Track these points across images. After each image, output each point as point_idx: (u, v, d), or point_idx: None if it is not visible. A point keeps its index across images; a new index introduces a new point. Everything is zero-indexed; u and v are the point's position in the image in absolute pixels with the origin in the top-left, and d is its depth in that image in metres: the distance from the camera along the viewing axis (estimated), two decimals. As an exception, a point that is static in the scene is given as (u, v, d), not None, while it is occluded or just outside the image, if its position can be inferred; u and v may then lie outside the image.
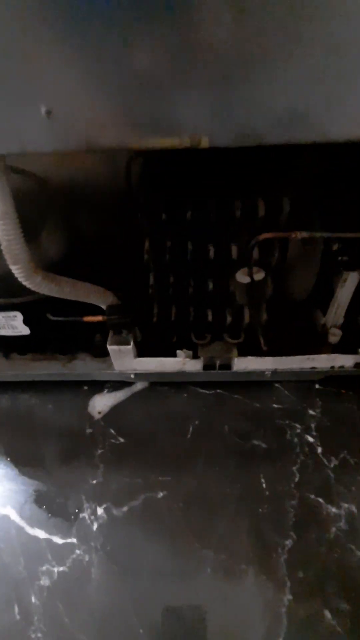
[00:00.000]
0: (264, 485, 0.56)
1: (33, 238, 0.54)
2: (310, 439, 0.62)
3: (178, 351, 0.63)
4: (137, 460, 0.59)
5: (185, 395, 0.69)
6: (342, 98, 0.33)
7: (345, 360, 0.65)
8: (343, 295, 0.61)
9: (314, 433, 0.62)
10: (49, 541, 0.51)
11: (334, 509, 0.53)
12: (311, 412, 0.65)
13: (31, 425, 0.66)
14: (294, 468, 0.58)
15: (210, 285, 0.54)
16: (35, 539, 0.51)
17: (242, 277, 0.48)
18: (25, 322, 0.61)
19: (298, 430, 0.63)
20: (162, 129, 0.34)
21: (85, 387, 0.71)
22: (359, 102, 0.32)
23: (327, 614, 0.44)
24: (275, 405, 0.67)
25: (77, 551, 0.50)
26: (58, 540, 0.51)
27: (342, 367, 0.66)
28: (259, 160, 0.47)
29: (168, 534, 0.51)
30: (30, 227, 0.48)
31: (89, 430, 0.64)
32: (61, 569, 0.49)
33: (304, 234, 0.46)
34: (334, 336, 0.65)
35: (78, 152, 0.36)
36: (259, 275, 0.48)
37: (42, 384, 0.71)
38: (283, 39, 0.30)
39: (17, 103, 0.33)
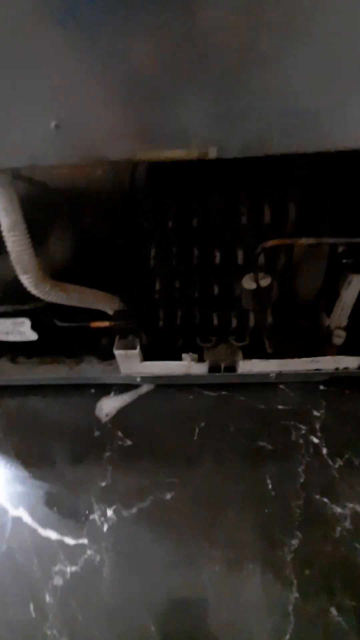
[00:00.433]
0: (269, 486, 0.57)
1: (40, 245, 0.54)
2: (315, 440, 0.62)
3: (184, 354, 0.64)
4: (145, 462, 0.60)
5: (191, 397, 0.69)
6: (347, 108, 0.33)
7: (350, 362, 0.66)
8: (348, 297, 0.61)
9: (319, 434, 0.63)
10: (60, 542, 0.52)
11: (339, 509, 0.54)
12: (316, 413, 0.66)
13: (40, 428, 0.67)
14: (300, 468, 0.59)
15: (216, 290, 0.55)
16: (48, 540, 0.53)
17: (248, 283, 0.49)
18: (33, 327, 0.62)
19: (303, 431, 0.64)
20: (170, 141, 0.35)
21: (92, 390, 0.72)
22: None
23: (333, 610, 0.46)
24: (280, 407, 0.67)
25: (89, 551, 0.51)
26: (70, 541, 0.52)
27: (346, 368, 0.67)
28: (265, 166, 0.47)
29: (176, 533, 0.52)
30: (36, 234, 0.49)
31: (96, 433, 0.65)
32: (73, 569, 0.50)
33: (310, 241, 0.46)
34: (339, 338, 0.66)
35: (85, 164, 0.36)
36: (265, 282, 0.48)
37: (49, 387, 0.72)
38: (287, 47, 0.30)
39: (27, 118, 0.34)
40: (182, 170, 0.48)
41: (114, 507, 0.55)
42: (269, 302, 0.53)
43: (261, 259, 0.49)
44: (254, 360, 0.64)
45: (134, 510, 0.55)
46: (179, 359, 0.64)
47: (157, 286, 0.56)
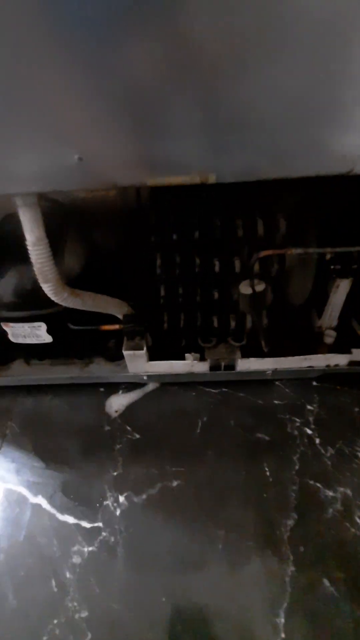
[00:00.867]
0: (267, 473, 0.62)
1: (57, 256, 0.60)
2: (309, 431, 0.68)
3: (186, 354, 0.69)
4: (153, 454, 0.66)
5: (194, 394, 0.75)
6: (321, 143, 0.39)
7: (340, 359, 0.72)
8: (336, 300, 0.67)
9: (313, 426, 0.69)
10: (77, 525, 0.57)
11: (331, 493, 0.59)
12: (309, 407, 0.72)
13: (54, 424, 0.72)
14: (295, 457, 0.64)
15: (216, 295, 0.61)
16: (66, 523, 0.58)
17: (245, 288, 0.55)
18: (49, 331, 0.68)
19: (298, 424, 0.69)
20: (176, 170, 0.41)
21: (102, 389, 0.77)
22: (337, 146, 0.39)
23: (326, 581, 0.51)
24: (276, 402, 0.73)
25: (104, 533, 0.56)
26: (86, 524, 0.58)
27: (337, 365, 0.72)
28: (259, 186, 0.53)
29: (183, 516, 0.58)
30: (53, 246, 0.54)
31: (107, 428, 0.70)
32: (90, 548, 0.55)
33: (299, 250, 0.52)
34: (329, 337, 0.72)
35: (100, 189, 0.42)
36: (260, 287, 0.54)
37: (62, 386, 0.77)
38: (271, 95, 0.36)
39: (55, 152, 0.40)
40: (183, 189, 0.54)
41: (125, 494, 0.61)
42: (263, 305, 0.59)
43: (256, 267, 0.55)
44: (252, 359, 0.70)
45: (144, 496, 0.60)
46: (182, 358, 0.70)
47: (162, 292, 0.62)
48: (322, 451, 0.65)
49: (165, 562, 0.53)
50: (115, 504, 0.60)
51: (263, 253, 0.50)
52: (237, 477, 0.62)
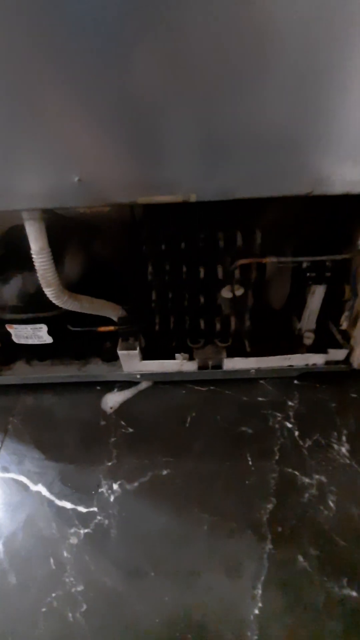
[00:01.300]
0: (249, 462, 0.68)
1: (58, 263, 0.66)
2: (289, 425, 0.74)
3: (176, 354, 0.75)
4: (145, 446, 0.71)
5: (184, 391, 0.81)
6: (288, 168, 0.46)
7: (318, 359, 0.78)
8: (313, 304, 0.74)
9: (292, 420, 0.75)
10: (74, 510, 0.63)
11: (307, 479, 0.65)
12: (290, 402, 0.78)
13: (53, 420, 0.78)
14: (275, 448, 0.70)
15: (202, 299, 0.67)
16: (63, 508, 0.63)
17: (226, 292, 0.61)
18: (49, 332, 0.74)
19: (279, 418, 0.75)
20: (162, 190, 0.48)
21: (98, 387, 0.83)
22: (299, 171, 0.46)
23: (300, 557, 0.56)
24: (260, 398, 0.79)
25: (98, 517, 0.61)
26: (82, 509, 0.63)
27: (315, 364, 0.79)
28: (238, 203, 0.60)
29: (172, 502, 0.63)
30: (55, 254, 0.61)
31: (102, 423, 0.76)
32: (86, 530, 0.60)
33: (274, 259, 0.59)
34: (308, 339, 0.78)
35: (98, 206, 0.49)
36: (240, 291, 0.61)
37: (60, 385, 0.83)
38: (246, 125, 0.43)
39: (57, 174, 0.46)
40: (171, 207, 0.61)
41: (119, 481, 0.66)
42: (245, 308, 0.65)
43: (236, 273, 0.61)
44: (237, 359, 0.76)
45: (136, 483, 0.65)
46: (173, 358, 0.76)
47: (154, 297, 0.68)
48: (301, 442, 0.71)
49: (154, 541, 0.58)
50: (109, 491, 0.65)
51: (241, 261, 0.56)
52: (222, 466, 0.67)
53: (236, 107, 0.42)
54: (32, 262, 0.55)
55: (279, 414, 0.76)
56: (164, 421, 0.75)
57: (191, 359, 0.76)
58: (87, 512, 0.62)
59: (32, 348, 0.79)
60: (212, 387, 0.81)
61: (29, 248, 0.54)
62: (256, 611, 0.51)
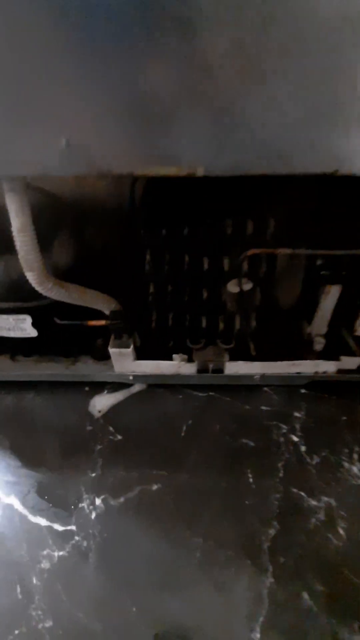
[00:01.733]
0: (250, 480, 0.60)
1: (45, 248, 0.59)
2: (295, 439, 0.66)
3: (174, 355, 0.68)
4: (134, 456, 0.64)
5: (180, 397, 0.73)
6: (312, 143, 0.39)
7: (328, 367, 0.71)
8: (326, 306, 0.67)
9: (299, 433, 0.67)
10: (49, 528, 0.55)
11: (314, 502, 0.58)
12: (296, 414, 0.70)
13: (35, 422, 0.70)
14: (279, 464, 0.62)
15: (205, 294, 0.60)
16: (37, 526, 0.55)
17: (232, 287, 0.54)
18: (34, 324, 0.66)
19: (284, 431, 0.68)
20: (165, 160, 0.41)
21: (87, 388, 0.76)
22: (329, 143, 0.39)
23: (305, 595, 0.49)
24: (263, 407, 0.72)
25: (76, 537, 0.54)
26: (58, 527, 0.55)
27: (325, 372, 0.71)
28: (249, 183, 0.53)
29: (161, 522, 0.55)
30: (43, 238, 0.54)
31: (89, 428, 0.68)
32: (61, 553, 0.52)
33: (288, 251, 0.52)
34: (319, 344, 0.71)
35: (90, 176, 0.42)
36: (248, 286, 0.54)
37: (45, 384, 0.75)
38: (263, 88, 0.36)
39: (42, 135, 0.39)
40: (175, 186, 0.54)
41: (102, 496, 0.58)
42: (251, 305, 0.58)
43: (244, 266, 0.54)
44: (240, 362, 0.68)
45: (122, 499, 0.58)
46: (170, 359, 0.68)
47: (151, 289, 0.61)
48: (308, 459, 0.63)
49: (139, 570, 0.51)
50: (91, 507, 0.57)
51: (251, 251, 0.49)
52: (219, 483, 0.60)
53: (262, 76, 0.35)
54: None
55: (284, 426, 0.68)
56: (157, 429, 0.68)
57: (190, 360, 0.69)
58: (63, 531, 0.55)
59: (17, 342, 0.71)
60: (211, 393, 0.74)
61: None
62: (255, 662, 0.43)
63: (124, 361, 0.69)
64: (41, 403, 0.73)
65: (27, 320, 0.64)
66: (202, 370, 0.70)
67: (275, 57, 0.35)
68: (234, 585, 0.49)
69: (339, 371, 0.71)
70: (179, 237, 0.54)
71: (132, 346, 0.66)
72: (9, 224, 0.48)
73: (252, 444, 0.65)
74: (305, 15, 0.33)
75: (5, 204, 0.46)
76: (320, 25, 0.33)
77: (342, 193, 0.54)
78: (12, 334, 0.67)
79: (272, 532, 0.54)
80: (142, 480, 0.60)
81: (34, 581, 0.50)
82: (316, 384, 0.73)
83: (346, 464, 0.63)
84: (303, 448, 0.65)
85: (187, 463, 0.63)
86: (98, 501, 0.58)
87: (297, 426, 0.68)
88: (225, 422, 0.69)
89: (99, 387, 0.75)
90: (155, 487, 0.59)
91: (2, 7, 0.33)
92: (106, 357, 0.72)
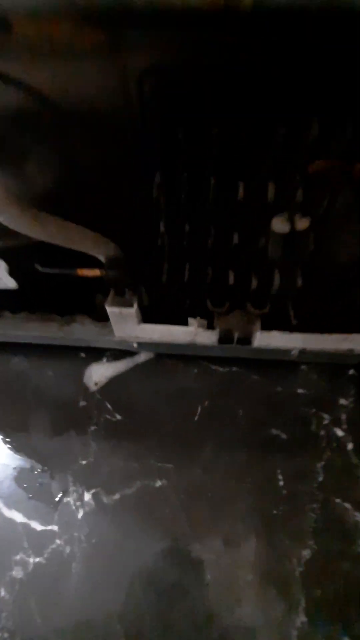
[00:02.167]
0: (280, 483, 0.47)
1: (15, 166, 0.43)
2: (340, 433, 0.52)
3: (190, 319, 0.53)
4: (135, 442, 0.51)
5: (196, 371, 0.59)
6: None
7: (392, 343, 0.54)
8: None
9: (344, 426, 0.53)
10: (26, 526, 0.44)
11: (363, 518, 0.44)
12: (343, 401, 0.55)
13: (19, 393, 0.59)
14: (319, 465, 0.49)
15: (236, 238, 0.43)
16: (11, 522, 0.45)
17: (279, 225, 0.37)
18: (12, 273, 0.52)
19: (326, 422, 0.53)
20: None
21: (83, 355, 0.63)
22: None
23: (349, 644, 0.37)
24: (300, 390, 0.57)
25: (58, 541, 0.43)
26: (37, 526, 0.45)
27: (385, 351, 0.55)
28: (309, 70, 0.33)
29: (164, 530, 0.44)
30: (12, 152, 0.37)
31: (82, 403, 0.56)
32: (37, 559, 0.42)
33: (372, 168, 0.33)
34: (381, 314, 0.53)
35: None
36: (303, 224, 0.36)
37: (35, 347, 0.63)
38: None
39: None
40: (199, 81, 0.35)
41: (93, 490, 0.47)
42: (304, 253, 0.41)
43: (299, 194, 0.36)
44: (274, 333, 0.52)
45: (117, 496, 0.46)
46: (184, 323, 0.53)
47: (161, 228, 0.44)
48: (355, 461, 0.49)
49: (131, 589, 0.40)
50: (78, 503, 0.46)
51: (316, 165, 0.31)
52: (241, 483, 0.47)
53: None
54: None
55: (325, 416, 0.54)
56: (165, 410, 0.55)
57: (210, 327, 0.53)
58: (42, 532, 0.44)
59: (2, 297, 0.58)
60: (235, 368, 0.60)
61: None
62: None
63: (126, 324, 0.54)
64: (29, 369, 0.61)
65: (2, 266, 0.50)
66: (224, 339, 0.54)
67: None
68: (254, 621, 0.38)
69: None
70: (203, 144, 0.36)
71: (136, 305, 0.51)
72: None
73: (284, 436, 0.52)
74: None
75: None
76: None
77: None
78: (-15, 284, 0.53)
79: (306, 553, 0.42)
80: (144, 474, 0.48)
81: (2, 593, 0.40)
82: (371, 364, 0.57)
83: None
84: (350, 446, 0.51)
85: (201, 455, 0.50)
86: (87, 496, 0.46)
87: (343, 417, 0.54)
88: (251, 405, 0.55)
89: (97, 354, 0.62)
90: (159, 483, 0.47)
91: None
92: (107, 317, 0.58)
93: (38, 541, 0.43)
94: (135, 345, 0.59)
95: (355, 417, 0.54)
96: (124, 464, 0.49)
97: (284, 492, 0.47)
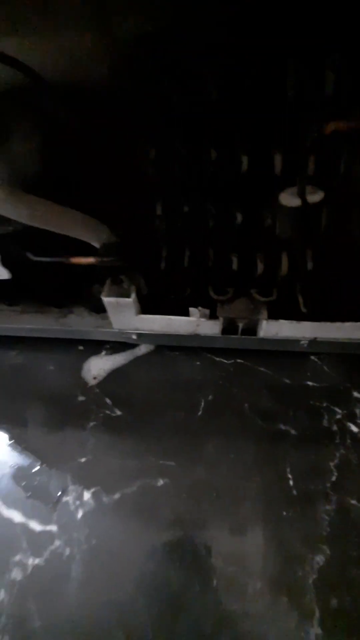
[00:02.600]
0: (290, 482, 0.44)
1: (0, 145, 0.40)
2: (355, 429, 0.48)
3: (191, 309, 0.49)
4: (135, 438, 0.49)
5: (198, 363, 0.56)
6: None
7: None
8: None
9: (359, 421, 0.49)
10: (24, 526, 0.43)
11: (381, 520, 0.41)
12: (357, 394, 0.52)
13: (16, 387, 0.56)
14: (332, 463, 0.45)
15: (239, 217, 0.39)
16: (9, 522, 0.43)
17: (288, 198, 0.33)
18: (4, 262, 0.49)
19: (339, 416, 0.50)
20: None
21: (81, 347, 0.60)
22: None
23: (367, 657, 0.34)
24: (310, 383, 0.53)
25: (57, 542, 0.41)
26: (36, 526, 0.43)
27: None
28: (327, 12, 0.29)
29: (166, 530, 0.41)
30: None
31: (81, 398, 0.54)
32: (37, 561, 0.40)
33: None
34: None
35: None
36: (315, 197, 0.32)
37: (32, 340, 0.60)
38: None
39: None
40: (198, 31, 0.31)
41: (92, 489, 0.45)
42: (316, 231, 0.37)
43: (311, 165, 0.32)
44: (282, 322, 0.49)
45: (117, 495, 0.44)
46: (186, 314, 0.50)
47: (158, 210, 0.41)
48: (373, 458, 0.46)
49: (134, 596, 0.38)
50: (77, 502, 0.44)
51: (331, 126, 0.27)
52: (247, 482, 0.44)
53: None
54: None
55: (338, 410, 0.50)
56: (167, 405, 0.52)
57: (213, 316, 0.50)
58: (41, 532, 0.42)
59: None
60: (240, 360, 0.56)
61: None
62: None
63: (124, 315, 0.51)
64: (25, 363, 0.59)
65: (-9, 255, 0.47)
66: (228, 330, 0.51)
67: None
68: (264, 634, 0.35)
69: None
70: (202, 109, 0.32)
71: (134, 295, 0.48)
72: None
73: (293, 432, 0.48)
74: None
75: None
76: None
77: None
78: (-24, 275, 0.51)
79: (320, 559, 0.39)
80: (145, 473, 0.46)
81: (1, 595, 0.38)
82: (388, 354, 0.53)
83: None
84: (366, 441, 0.47)
85: (205, 453, 0.47)
86: (87, 495, 0.44)
87: (358, 411, 0.50)
88: (257, 399, 0.52)
89: (96, 346, 0.59)
90: (161, 482, 0.45)
91: None
92: (105, 308, 0.55)
93: (37, 542, 0.41)
94: (134, 337, 0.56)
95: (371, 411, 0.50)
96: (124, 461, 0.47)
97: (295, 492, 0.44)
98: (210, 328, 0.51)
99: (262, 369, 0.55)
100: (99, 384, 0.55)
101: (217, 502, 0.43)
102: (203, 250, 0.45)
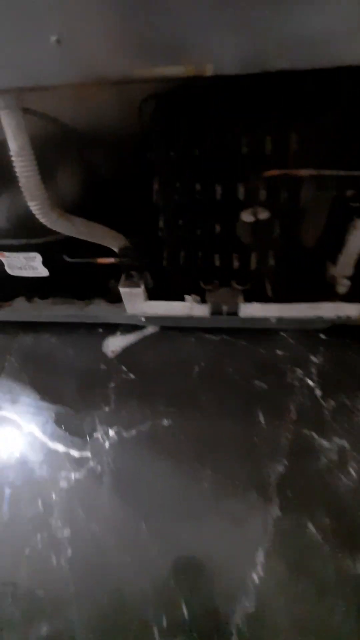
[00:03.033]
0: (261, 419, 0.60)
1: (48, 178, 0.56)
2: (311, 383, 0.64)
3: (186, 296, 0.66)
4: (146, 393, 0.65)
5: (193, 339, 0.72)
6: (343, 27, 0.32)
7: (351, 310, 0.66)
8: (354, 243, 0.61)
9: (315, 378, 0.65)
10: (67, 454, 0.58)
11: (326, 443, 0.57)
12: (314, 359, 0.68)
13: (51, 361, 0.72)
14: (292, 407, 0.61)
15: (217, 228, 0.56)
16: (55, 451, 0.59)
17: (247, 216, 0.50)
18: (45, 263, 0.66)
19: (299, 374, 0.66)
20: (166, 56, 0.35)
21: (100, 330, 0.76)
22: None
23: (311, 526, 0.50)
24: (279, 352, 0.69)
25: (91, 463, 0.57)
26: (75, 453, 0.58)
27: (348, 317, 0.67)
28: (268, 95, 0.46)
29: (170, 454, 0.57)
30: (45, 167, 0.51)
31: (103, 367, 0.70)
32: (77, 475, 0.56)
33: (312, 172, 0.46)
34: (343, 286, 0.66)
35: (87, 84, 0.37)
36: (264, 215, 0.49)
37: (61, 325, 0.77)
38: None
39: (27, 35, 0.35)
40: (185, 102, 0.48)
41: (115, 428, 0.61)
42: (268, 239, 0.54)
43: (262, 194, 0.49)
44: (255, 304, 0.65)
45: (134, 432, 0.60)
46: (182, 300, 0.66)
47: (161, 224, 0.58)
48: (322, 403, 0.62)
49: (148, 493, 0.53)
50: (104, 437, 0.60)
51: (270, 172, 0.44)
52: (229, 420, 0.60)
53: None
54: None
55: (299, 370, 0.66)
56: (169, 370, 0.68)
57: (203, 302, 0.66)
58: (79, 457, 0.58)
59: (32, 283, 0.72)
60: (225, 337, 0.72)
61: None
62: (256, 580, 0.46)
63: (135, 301, 0.67)
64: (58, 342, 0.75)
65: (37, 258, 0.64)
66: (215, 312, 0.68)
67: None
68: (240, 514, 0.51)
69: (364, 315, 0.66)
70: (190, 159, 0.49)
71: (142, 286, 0.65)
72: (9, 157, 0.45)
73: (265, 386, 0.64)
74: None
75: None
76: None
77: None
78: (24, 273, 0.67)
79: (280, 468, 0.55)
80: (154, 416, 0.61)
81: (54, 497, 0.54)
82: (337, 329, 0.69)
83: (363, 409, 0.61)
84: (318, 392, 0.63)
85: (199, 402, 0.63)
86: (111, 432, 0.60)
87: (314, 371, 0.66)
88: (238, 365, 0.68)
89: (112, 328, 0.75)
90: (166, 422, 0.61)
91: None
92: (119, 299, 0.71)
93: (76, 463, 0.57)
94: (142, 319, 0.72)
95: (323, 371, 0.66)
96: (138, 409, 0.63)
97: (264, 426, 0.59)
98: (201, 310, 0.67)
99: (242, 342, 0.71)
100: (116, 357, 0.71)
101: (208, 434, 0.59)
102: (194, 252, 0.61)
